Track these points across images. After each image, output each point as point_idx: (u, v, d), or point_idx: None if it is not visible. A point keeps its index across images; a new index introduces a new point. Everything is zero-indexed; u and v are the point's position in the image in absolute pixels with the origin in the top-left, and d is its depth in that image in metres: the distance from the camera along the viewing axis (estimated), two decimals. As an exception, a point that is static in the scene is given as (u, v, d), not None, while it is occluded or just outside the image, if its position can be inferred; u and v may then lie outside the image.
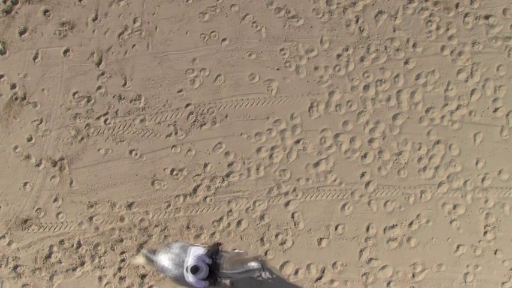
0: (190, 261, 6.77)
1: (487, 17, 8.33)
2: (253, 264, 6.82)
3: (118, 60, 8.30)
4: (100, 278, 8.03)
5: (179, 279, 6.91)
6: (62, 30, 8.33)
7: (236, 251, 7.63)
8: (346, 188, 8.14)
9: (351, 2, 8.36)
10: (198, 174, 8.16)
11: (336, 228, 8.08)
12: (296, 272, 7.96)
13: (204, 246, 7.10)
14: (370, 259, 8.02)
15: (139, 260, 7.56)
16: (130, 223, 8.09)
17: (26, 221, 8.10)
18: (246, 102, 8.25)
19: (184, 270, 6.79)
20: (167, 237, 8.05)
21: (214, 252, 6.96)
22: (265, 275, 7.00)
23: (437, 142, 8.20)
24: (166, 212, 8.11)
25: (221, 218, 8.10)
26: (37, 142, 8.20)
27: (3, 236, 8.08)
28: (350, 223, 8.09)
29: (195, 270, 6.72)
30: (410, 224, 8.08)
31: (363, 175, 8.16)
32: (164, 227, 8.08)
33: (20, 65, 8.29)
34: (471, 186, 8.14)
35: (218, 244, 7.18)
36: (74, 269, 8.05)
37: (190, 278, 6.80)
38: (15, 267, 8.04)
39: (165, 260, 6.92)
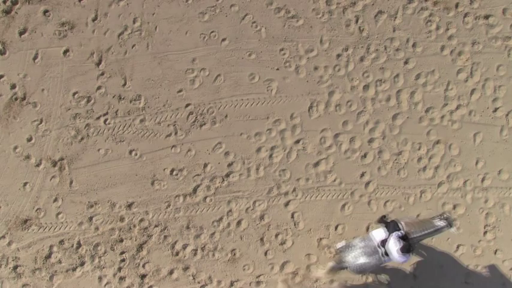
0: (391, 244, 6.88)
1: (486, 17, 8.33)
2: (441, 223, 6.98)
3: (118, 60, 8.30)
4: (100, 278, 8.03)
5: (377, 266, 7.10)
6: (62, 30, 8.33)
7: (410, 215, 7.75)
8: (346, 188, 8.14)
9: (351, 2, 8.36)
10: (198, 174, 8.16)
11: (336, 228, 8.08)
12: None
13: (378, 226, 7.22)
14: (370, 259, 8.02)
15: (319, 272, 7.75)
16: (130, 223, 8.09)
17: (26, 221, 8.10)
18: (246, 102, 8.25)
19: (393, 252, 6.89)
20: (167, 237, 8.05)
21: (395, 225, 7.02)
22: (454, 230, 6.98)
23: (437, 142, 8.20)
24: (166, 212, 8.11)
25: (221, 218, 8.10)
26: (37, 142, 8.20)
27: (3, 236, 8.08)
28: (350, 223, 8.09)
29: (407, 249, 6.85)
30: (410, 224, 8.08)
31: (362, 175, 8.16)
32: (164, 227, 8.08)
33: (20, 65, 8.29)
34: (471, 186, 8.14)
35: (384, 216, 7.29)
36: (74, 269, 8.05)
37: (400, 257, 6.89)
38: (15, 267, 8.04)
39: (358, 258, 7.07)
